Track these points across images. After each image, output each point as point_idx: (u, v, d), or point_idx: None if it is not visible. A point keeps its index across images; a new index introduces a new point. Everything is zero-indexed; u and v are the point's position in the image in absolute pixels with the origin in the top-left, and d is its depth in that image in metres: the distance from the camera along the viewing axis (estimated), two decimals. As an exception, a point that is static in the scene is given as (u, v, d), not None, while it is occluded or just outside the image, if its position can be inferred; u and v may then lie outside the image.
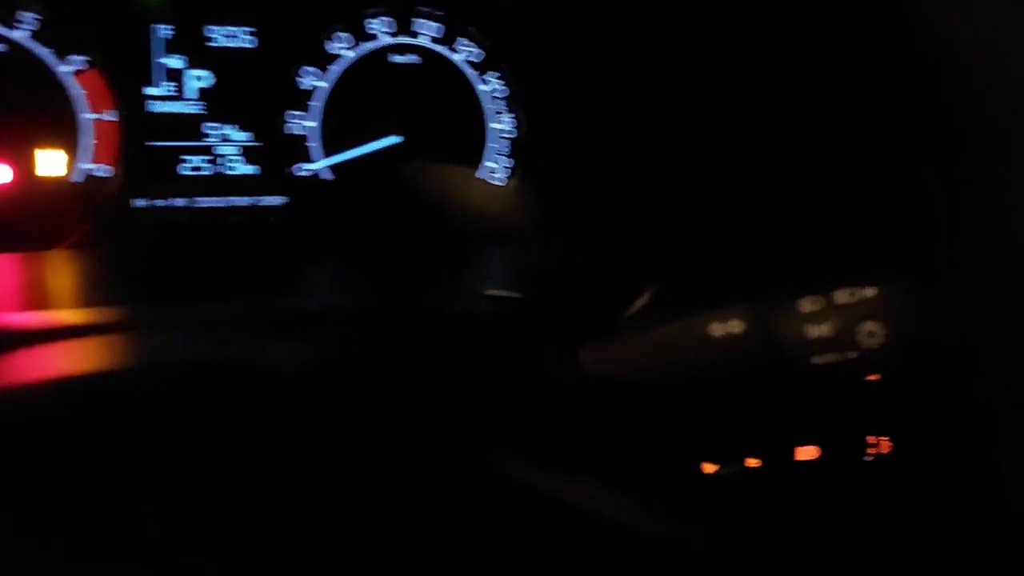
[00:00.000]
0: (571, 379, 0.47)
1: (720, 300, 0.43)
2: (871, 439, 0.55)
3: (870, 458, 0.55)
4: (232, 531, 0.31)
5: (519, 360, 0.49)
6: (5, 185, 0.63)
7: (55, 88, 0.63)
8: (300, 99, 0.69)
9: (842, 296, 0.40)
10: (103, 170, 0.65)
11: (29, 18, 0.62)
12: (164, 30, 0.65)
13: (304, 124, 0.70)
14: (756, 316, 0.42)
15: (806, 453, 0.67)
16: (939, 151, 0.24)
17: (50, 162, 0.64)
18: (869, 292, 0.39)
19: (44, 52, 0.63)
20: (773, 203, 0.60)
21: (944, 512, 0.40)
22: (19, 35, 0.62)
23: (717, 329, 0.43)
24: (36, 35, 0.62)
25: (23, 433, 0.36)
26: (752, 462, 0.67)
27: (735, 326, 0.42)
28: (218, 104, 0.68)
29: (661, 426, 0.58)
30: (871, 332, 0.39)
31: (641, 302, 0.55)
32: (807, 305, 0.41)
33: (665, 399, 0.50)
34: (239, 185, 0.69)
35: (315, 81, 0.69)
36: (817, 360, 0.41)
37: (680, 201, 0.62)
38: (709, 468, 0.67)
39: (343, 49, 0.69)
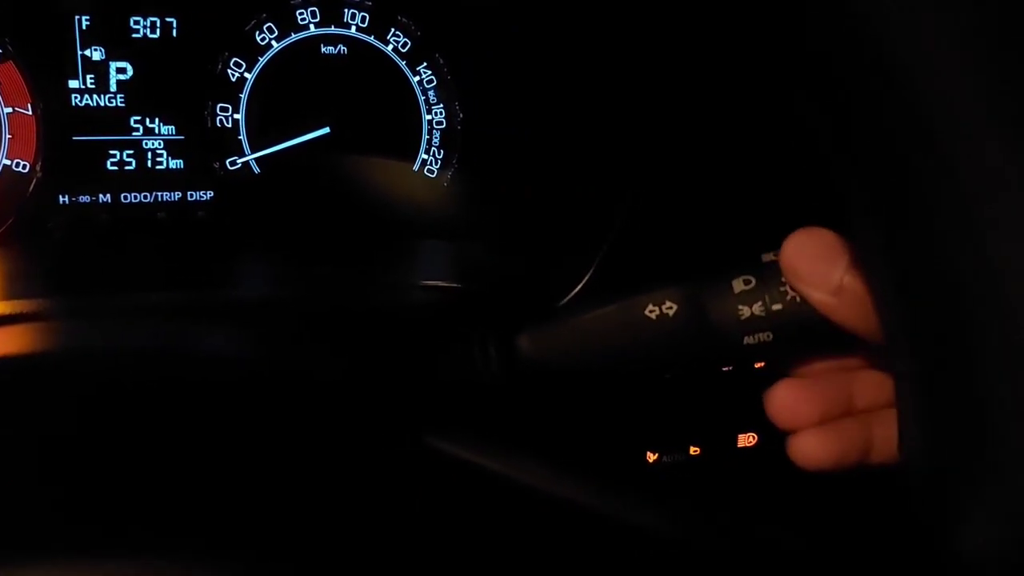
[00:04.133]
0: (507, 367, 0.47)
1: (655, 282, 0.44)
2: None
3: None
4: (156, 526, 0.31)
5: (455, 348, 0.49)
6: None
7: (-32, 80, 0.61)
8: (227, 91, 0.68)
9: (769, 273, 0.41)
10: (19, 166, 0.63)
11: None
12: (84, 21, 0.63)
13: (231, 117, 0.68)
14: (690, 296, 0.43)
15: (746, 440, 0.69)
16: (859, 152, 0.25)
17: (-40, 156, 0.61)
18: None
19: (-49, 42, 0.60)
20: (704, 184, 0.61)
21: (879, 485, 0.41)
22: (-74, 25, 0.60)
23: (652, 311, 0.43)
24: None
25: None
26: (694, 450, 0.69)
27: (670, 308, 0.43)
28: (142, 97, 0.66)
29: (603, 413, 0.59)
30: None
31: (575, 289, 0.56)
32: (738, 285, 0.42)
33: (605, 384, 0.51)
34: (166, 180, 0.67)
35: (242, 72, 0.68)
36: (748, 340, 0.42)
37: (609, 187, 0.62)
38: (652, 456, 0.68)
39: (270, 39, 0.68)
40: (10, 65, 0.62)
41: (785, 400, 0.43)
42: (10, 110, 0.62)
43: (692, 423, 0.67)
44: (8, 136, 0.62)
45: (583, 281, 0.58)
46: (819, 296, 0.38)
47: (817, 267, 0.38)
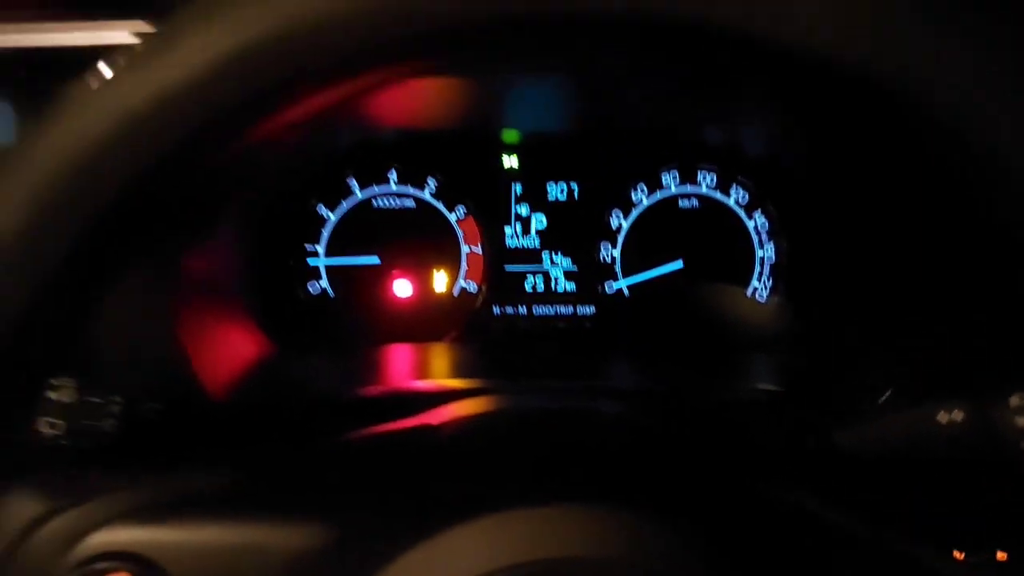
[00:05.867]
0: (826, 450, 0.63)
1: (946, 394, 0.58)
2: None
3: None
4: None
5: (783, 432, 0.65)
6: (409, 297, 0.90)
7: (446, 229, 0.90)
8: (609, 234, 0.92)
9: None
10: (471, 286, 0.92)
11: (432, 182, 0.90)
12: (517, 188, 0.91)
13: (611, 253, 0.92)
14: (976, 407, 0.57)
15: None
16: None
17: (439, 280, 0.91)
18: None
19: (439, 205, 0.90)
20: (992, 314, 0.73)
21: None
22: (425, 194, 0.90)
23: (943, 417, 0.58)
24: (434, 194, 0.90)
25: (429, 457, 0.51)
26: (1001, 555, 0.78)
27: (958, 415, 0.57)
28: (550, 239, 0.92)
29: (911, 505, 0.71)
30: None
31: (883, 396, 0.71)
32: (1016, 400, 0.55)
33: (907, 478, 0.63)
34: (563, 298, 0.93)
35: (620, 220, 0.92)
36: (1024, 445, 0.54)
37: (912, 311, 0.77)
38: (959, 555, 0.77)
39: (642, 196, 0.92)
40: (470, 219, 0.91)
41: None
42: (468, 249, 0.91)
43: (998, 527, 0.76)
44: (465, 267, 0.91)
45: (887, 392, 0.73)
46: None
47: None
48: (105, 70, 0.37)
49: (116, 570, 0.39)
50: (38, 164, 0.35)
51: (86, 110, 0.36)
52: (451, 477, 0.44)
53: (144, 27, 0.56)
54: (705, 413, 0.74)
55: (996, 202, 0.36)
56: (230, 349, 0.72)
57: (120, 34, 0.57)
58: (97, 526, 0.40)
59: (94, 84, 0.36)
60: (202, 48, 0.34)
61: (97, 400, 0.53)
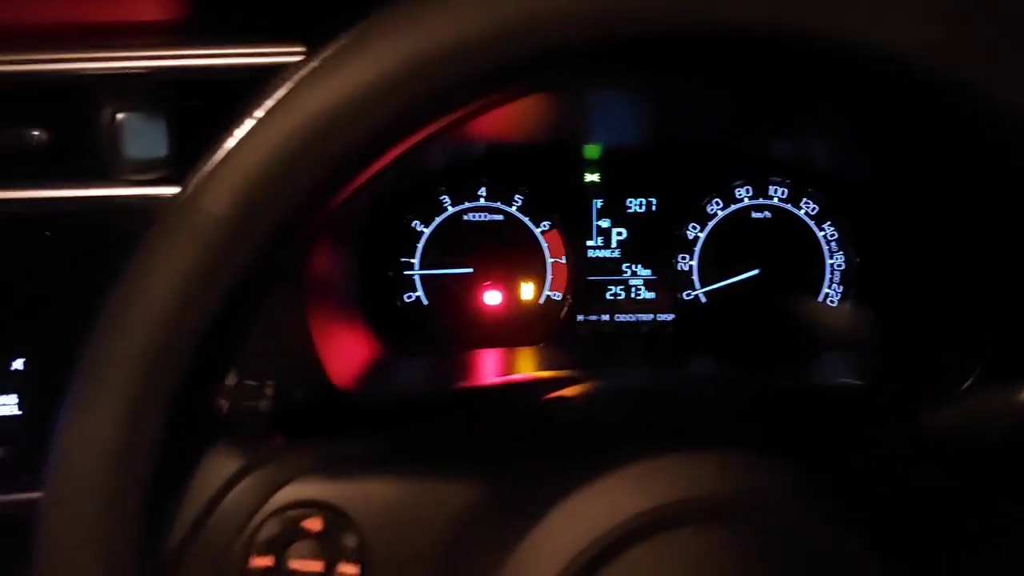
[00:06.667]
0: (915, 438, 0.66)
1: None
2: None
3: None
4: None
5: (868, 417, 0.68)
6: (498, 305, 0.96)
7: (532, 242, 0.96)
8: (686, 245, 0.97)
9: None
10: (556, 296, 0.97)
11: (519, 198, 0.96)
12: (599, 201, 0.97)
13: (688, 263, 0.97)
14: None
15: None
16: None
17: (526, 290, 0.96)
18: None
19: (526, 219, 0.96)
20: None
21: None
22: (512, 208, 0.96)
23: None
24: (521, 208, 0.96)
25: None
26: None
27: None
28: (630, 251, 0.97)
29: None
30: None
31: (968, 379, 0.74)
32: None
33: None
34: (644, 306, 0.98)
35: (696, 232, 0.97)
36: None
37: (977, 306, 0.80)
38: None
39: (717, 209, 0.97)
40: (555, 232, 0.96)
41: None
42: (552, 260, 0.96)
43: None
44: (551, 277, 0.96)
45: (973, 374, 0.77)
46: None
47: None
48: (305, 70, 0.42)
49: (308, 516, 0.44)
50: (251, 151, 0.41)
51: (302, 101, 0.41)
52: (591, 436, 0.49)
53: (299, 49, 0.63)
54: (792, 394, 0.77)
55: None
56: (349, 347, 0.77)
57: (272, 58, 0.64)
58: (288, 481, 0.45)
59: (292, 85, 0.42)
60: (396, 49, 0.40)
61: (254, 383, 0.58)
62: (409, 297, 0.95)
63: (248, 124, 0.41)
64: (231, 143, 0.41)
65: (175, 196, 0.42)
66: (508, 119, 0.84)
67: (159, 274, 0.41)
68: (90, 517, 0.41)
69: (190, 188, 0.41)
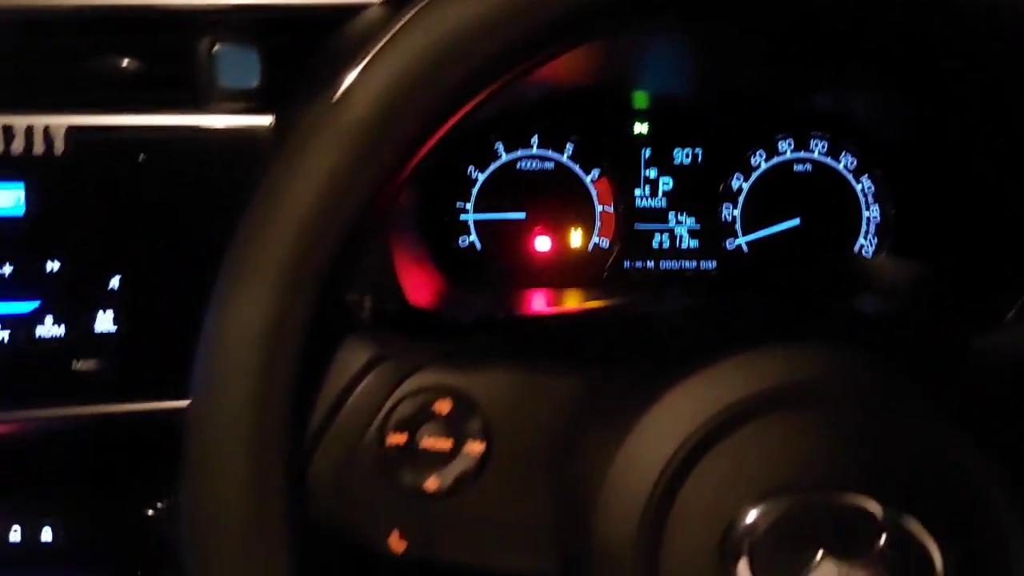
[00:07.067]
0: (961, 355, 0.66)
1: None
2: None
3: None
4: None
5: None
6: (548, 251, 0.99)
7: (581, 189, 0.99)
8: (731, 195, 1.01)
9: None
10: (604, 243, 1.00)
11: (569, 146, 0.99)
12: (647, 151, 1.00)
13: (731, 213, 1.01)
14: None
15: None
16: None
17: (575, 236, 0.99)
18: None
19: (576, 167, 0.99)
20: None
21: None
22: (563, 157, 0.99)
23: None
24: (571, 156, 0.99)
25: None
26: None
27: None
28: (676, 200, 1.01)
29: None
30: None
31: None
32: None
33: None
34: (688, 254, 1.01)
35: (740, 183, 1.01)
36: None
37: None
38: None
39: (760, 161, 1.01)
40: (604, 181, 1.00)
41: None
42: (601, 208, 1.00)
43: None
44: (599, 224, 1.00)
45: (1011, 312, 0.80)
46: None
47: None
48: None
49: (438, 399, 0.48)
50: (396, 58, 0.44)
51: (435, 24, 0.44)
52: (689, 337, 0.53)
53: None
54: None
55: None
56: (421, 278, 0.81)
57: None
58: (418, 368, 0.49)
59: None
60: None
61: (355, 296, 0.62)
62: (463, 240, 0.98)
63: (391, 33, 0.45)
64: (374, 50, 0.45)
65: (320, 99, 0.45)
66: (561, 63, 0.87)
67: (309, 169, 0.44)
68: (241, 402, 0.44)
69: (338, 93, 0.44)
